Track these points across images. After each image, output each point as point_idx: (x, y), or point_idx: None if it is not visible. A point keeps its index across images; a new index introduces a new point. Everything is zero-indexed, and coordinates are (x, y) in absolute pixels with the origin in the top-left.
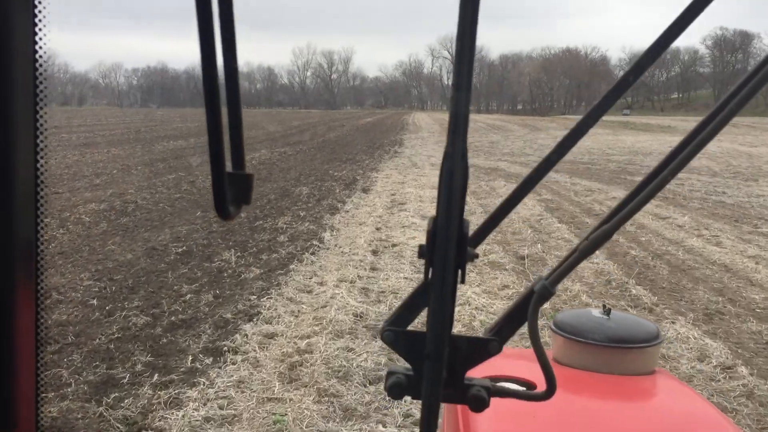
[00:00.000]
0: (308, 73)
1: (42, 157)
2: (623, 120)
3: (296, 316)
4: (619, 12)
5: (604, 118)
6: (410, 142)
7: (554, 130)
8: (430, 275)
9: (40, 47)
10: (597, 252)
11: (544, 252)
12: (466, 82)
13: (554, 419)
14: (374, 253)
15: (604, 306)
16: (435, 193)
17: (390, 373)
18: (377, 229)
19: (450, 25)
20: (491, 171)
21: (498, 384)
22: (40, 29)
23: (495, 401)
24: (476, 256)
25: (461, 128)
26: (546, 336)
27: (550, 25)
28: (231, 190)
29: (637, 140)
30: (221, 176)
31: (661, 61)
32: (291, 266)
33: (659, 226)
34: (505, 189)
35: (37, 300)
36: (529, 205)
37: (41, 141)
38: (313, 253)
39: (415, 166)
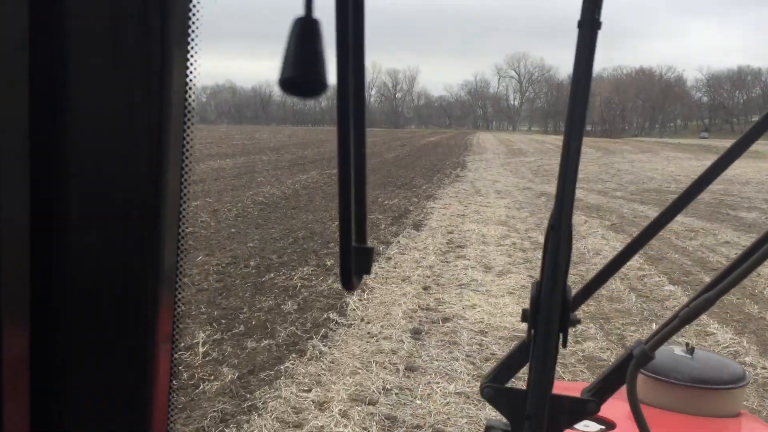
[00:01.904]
0: (372, 92)
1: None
2: (703, 143)
3: None
4: (696, 33)
5: (681, 141)
6: (473, 165)
7: (629, 153)
8: (533, 337)
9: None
10: (746, 344)
11: None
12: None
13: None
14: (415, 334)
15: (687, 344)
16: (502, 231)
17: (489, 428)
18: (425, 288)
19: (517, 45)
20: None
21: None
22: (192, 56)
23: None
24: (578, 321)
25: (569, 195)
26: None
27: (622, 44)
28: (355, 262)
29: None
30: (348, 250)
31: (741, 82)
32: (285, 364)
33: None
34: (586, 227)
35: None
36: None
37: (186, 166)
38: (324, 337)
39: (478, 194)
